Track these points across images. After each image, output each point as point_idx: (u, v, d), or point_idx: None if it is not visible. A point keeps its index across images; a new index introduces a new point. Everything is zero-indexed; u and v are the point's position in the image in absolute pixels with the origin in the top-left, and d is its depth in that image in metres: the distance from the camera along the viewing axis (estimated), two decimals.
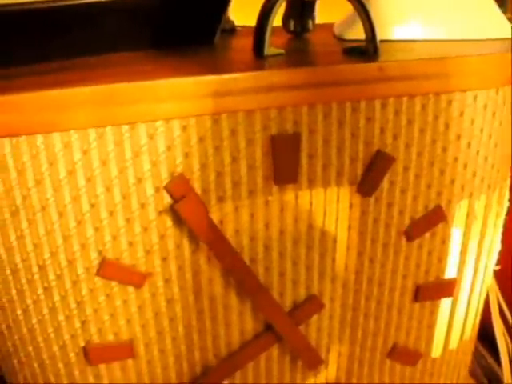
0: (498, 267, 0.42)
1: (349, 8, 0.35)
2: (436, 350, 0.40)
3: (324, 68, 0.30)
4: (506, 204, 0.38)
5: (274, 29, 0.31)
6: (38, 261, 0.30)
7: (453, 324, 0.39)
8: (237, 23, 0.43)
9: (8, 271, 0.30)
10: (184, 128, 0.29)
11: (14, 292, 0.31)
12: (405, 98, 0.31)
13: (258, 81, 0.29)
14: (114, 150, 0.28)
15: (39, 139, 0.27)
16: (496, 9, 0.37)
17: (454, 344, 0.40)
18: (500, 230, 0.38)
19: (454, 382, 0.43)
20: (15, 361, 0.34)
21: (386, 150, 0.31)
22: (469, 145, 0.33)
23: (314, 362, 0.35)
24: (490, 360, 0.49)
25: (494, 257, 0.39)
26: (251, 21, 0.33)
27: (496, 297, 0.46)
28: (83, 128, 0.28)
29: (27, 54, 0.31)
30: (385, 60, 0.31)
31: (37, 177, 0.28)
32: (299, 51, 0.35)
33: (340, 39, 0.37)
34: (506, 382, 0.47)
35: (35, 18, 0.30)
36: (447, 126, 0.32)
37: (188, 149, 0.29)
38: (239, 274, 0.31)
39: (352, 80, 0.30)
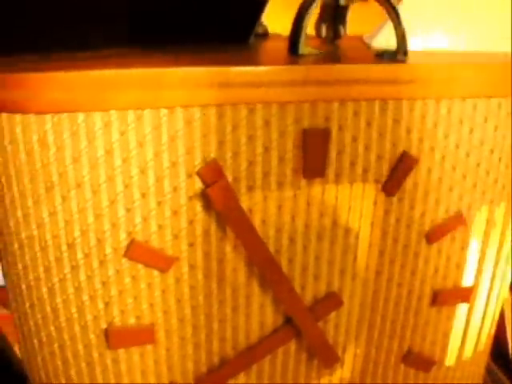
0: None
1: (377, 21, 0.37)
2: (450, 358, 0.41)
3: (356, 66, 0.31)
4: None
5: (306, 36, 0.33)
6: (67, 239, 0.31)
7: (468, 332, 0.40)
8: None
9: (37, 248, 0.32)
10: (220, 116, 0.30)
11: (41, 269, 0.32)
12: (431, 101, 0.32)
13: (293, 74, 0.30)
14: (151, 132, 0.30)
15: (80, 117, 0.29)
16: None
17: (468, 353, 0.41)
18: None
19: None
20: (35, 340, 0.34)
21: (410, 152, 0.33)
22: (491, 151, 0.35)
23: (330, 359, 0.36)
24: (504, 378, 0.49)
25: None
26: (282, 29, 0.35)
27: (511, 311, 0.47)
28: (123, 109, 0.29)
29: (68, 41, 0.33)
30: (414, 63, 0.32)
31: (75, 154, 0.29)
32: (332, 52, 0.37)
33: (370, 46, 0.39)
34: None
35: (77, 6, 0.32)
36: (471, 130, 0.34)
37: (222, 137, 0.30)
38: (264, 263, 0.32)
39: (382, 79, 0.31)
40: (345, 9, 0.38)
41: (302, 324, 0.35)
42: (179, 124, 0.30)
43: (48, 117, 0.29)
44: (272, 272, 0.33)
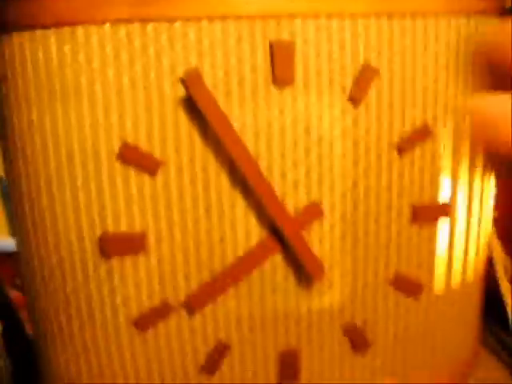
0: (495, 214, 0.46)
1: None
2: (438, 284, 0.43)
3: None
4: None
5: None
6: (67, 149, 0.36)
7: (452, 257, 0.42)
8: None
9: (40, 160, 0.36)
10: (198, 31, 0.36)
11: (42, 181, 0.37)
12: (384, 18, 0.38)
13: None
14: (139, 47, 0.35)
15: (79, 30, 0.35)
16: None
17: (455, 281, 0.43)
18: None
19: (461, 328, 0.45)
20: (35, 260, 0.38)
21: (371, 64, 0.38)
22: (446, 67, 0.39)
23: (317, 269, 0.39)
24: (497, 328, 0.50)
25: (490, 189, 0.43)
26: None
27: (500, 253, 0.48)
28: (115, 23, 0.35)
29: None
30: None
31: (74, 66, 0.35)
32: None
33: None
34: None
35: None
36: (425, 47, 0.38)
37: (200, 50, 0.36)
38: (245, 164, 0.36)
39: None
40: None
41: (286, 231, 0.38)
42: (163, 40, 0.35)
43: (51, 31, 0.35)
44: (253, 174, 0.37)
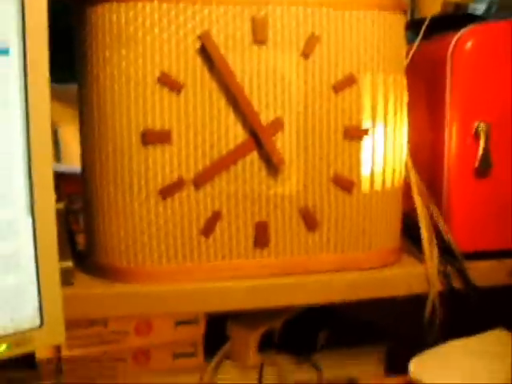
0: None
1: None
2: (364, 185, 0.67)
3: None
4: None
5: None
6: (126, 77, 0.62)
7: (374, 166, 0.67)
8: None
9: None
10: (210, 9, 0.62)
11: (108, 97, 0.62)
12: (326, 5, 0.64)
13: None
14: None
15: (139, 4, 0.61)
16: None
17: (377, 184, 0.67)
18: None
19: (385, 223, 0.68)
20: (96, 148, 0.63)
21: (315, 33, 0.64)
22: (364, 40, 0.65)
23: (280, 161, 0.63)
24: None
25: (402, 123, 0.68)
26: None
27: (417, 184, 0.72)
28: None
29: None
30: None
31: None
32: None
33: None
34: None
35: None
36: (352, 26, 0.65)
37: (211, 21, 0.62)
38: (237, 91, 0.62)
39: None
40: None
41: (260, 134, 0.63)
42: (189, 12, 0.62)
43: (122, 4, 0.61)
44: (242, 98, 0.62)
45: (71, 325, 0.59)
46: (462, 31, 0.70)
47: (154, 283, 0.65)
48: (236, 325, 0.82)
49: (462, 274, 0.71)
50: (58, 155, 0.89)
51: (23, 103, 0.53)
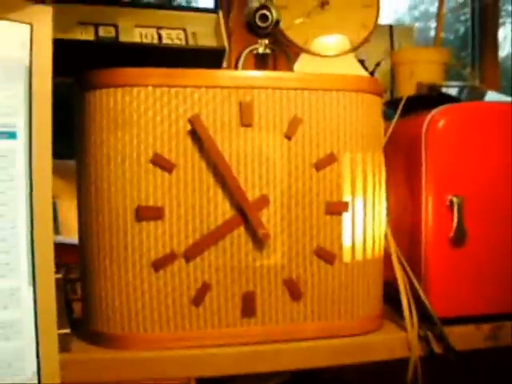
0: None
1: None
2: (346, 256, 0.72)
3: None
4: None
5: None
6: (122, 157, 0.67)
7: (355, 238, 0.72)
8: None
9: None
10: (200, 93, 0.68)
11: (104, 175, 0.68)
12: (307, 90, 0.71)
13: None
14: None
15: (135, 89, 0.67)
16: None
17: (358, 255, 0.72)
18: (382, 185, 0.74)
19: (366, 292, 0.73)
20: (94, 223, 0.68)
21: (297, 115, 0.70)
22: (344, 120, 0.71)
23: (265, 236, 0.68)
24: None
25: (381, 198, 0.73)
26: None
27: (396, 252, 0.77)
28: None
29: None
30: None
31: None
32: None
33: None
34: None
35: None
36: (332, 107, 0.71)
37: (201, 105, 0.68)
38: (225, 171, 0.67)
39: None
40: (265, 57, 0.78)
41: (247, 211, 0.68)
42: (180, 97, 0.68)
43: (118, 89, 0.67)
44: (229, 177, 0.68)
45: None
46: (435, 110, 0.76)
47: (147, 350, 0.69)
48: None
49: (442, 339, 0.75)
50: (56, 227, 0.94)
51: (28, 181, 0.59)
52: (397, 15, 1.67)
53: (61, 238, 0.87)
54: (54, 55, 0.59)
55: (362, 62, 0.85)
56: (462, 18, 1.40)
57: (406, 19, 1.66)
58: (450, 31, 1.59)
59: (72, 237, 0.77)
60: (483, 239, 0.77)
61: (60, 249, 0.78)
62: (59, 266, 0.67)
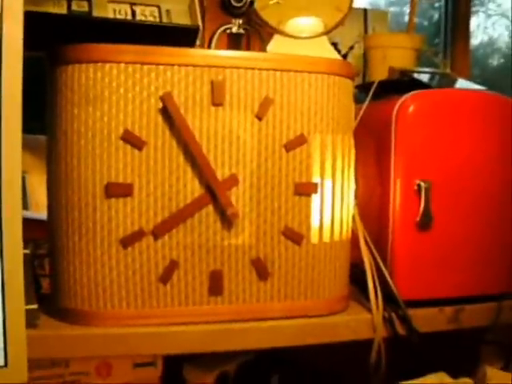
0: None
1: None
2: (313, 237, 0.73)
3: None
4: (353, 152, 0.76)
5: None
6: (92, 133, 0.68)
7: (323, 220, 0.73)
8: None
9: None
10: (172, 71, 0.69)
11: (75, 151, 0.68)
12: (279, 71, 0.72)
13: None
14: None
15: (107, 65, 0.68)
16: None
17: (326, 237, 0.74)
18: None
19: (333, 273, 0.75)
20: (63, 199, 0.68)
21: (269, 96, 0.71)
22: (316, 103, 0.73)
23: (234, 214, 0.69)
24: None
25: (349, 181, 0.75)
26: None
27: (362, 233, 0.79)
28: None
29: None
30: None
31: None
32: None
33: None
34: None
35: None
36: (303, 89, 0.72)
37: (173, 82, 0.69)
38: (195, 149, 0.68)
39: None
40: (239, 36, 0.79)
41: (216, 189, 0.69)
42: (152, 75, 0.69)
43: (90, 65, 0.68)
44: (199, 155, 0.69)
45: (33, 365, 0.64)
46: (406, 96, 0.78)
47: (114, 326, 0.70)
48: (192, 367, 0.88)
49: (406, 321, 0.78)
50: (24, 202, 0.94)
51: None
52: None
53: (29, 214, 0.87)
54: (25, 28, 0.59)
55: (335, 44, 0.86)
56: (437, 4, 1.42)
57: (380, 3, 1.68)
58: (424, 17, 1.61)
59: (40, 212, 0.77)
60: (449, 224, 0.79)
61: (28, 224, 0.78)
62: (27, 241, 0.68)
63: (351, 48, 0.99)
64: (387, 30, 1.16)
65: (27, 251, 0.69)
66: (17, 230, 0.61)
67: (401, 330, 0.78)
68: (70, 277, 0.70)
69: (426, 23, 1.60)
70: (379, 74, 0.86)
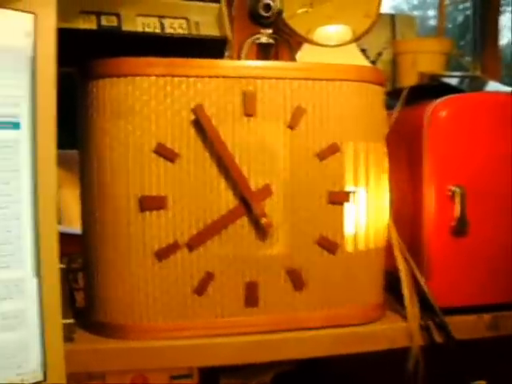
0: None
1: None
2: (348, 246, 0.72)
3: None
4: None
5: None
6: (125, 147, 0.68)
7: (358, 228, 0.72)
8: None
9: None
10: (203, 83, 0.69)
11: (107, 165, 0.68)
12: (311, 80, 0.71)
13: None
14: None
15: (137, 79, 0.68)
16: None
17: (361, 245, 0.73)
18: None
19: (368, 281, 0.74)
20: (97, 213, 0.68)
21: (301, 105, 0.70)
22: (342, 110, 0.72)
23: (268, 225, 0.69)
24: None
25: (383, 189, 0.74)
26: None
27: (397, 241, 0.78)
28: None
29: None
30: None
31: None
32: None
33: None
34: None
35: None
36: (336, 98, 0.71)
37: (204, 95, 0.69)
38: (228, 160, 0.68)
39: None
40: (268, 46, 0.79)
41: (250, 201, 0.69)
42: (183, 87, 0.68)
43: (121, 79, 0.68)
44: (233, 167, 0.68)
45: (71, 379, 0.63)
46: (438, 101, 0.77)
47: (149, 339, 0.70)
48: (228, 379, 0.87)
49: (443, 329, 0.76)
50: (58, 216, 0.95)
51: (32, 171, 0.59)
52: (394, 2, 1.68)
53: (62, 228, 0.88)
54: (57, 45, 0.60)
55: (363, 51, 0.86)
56: (461, 6, 1.40)
57: (403, 7, 1.67)
58: (448, 20, 1.60)
59: (73, 226, 0.77)
60: (484, 229, 0.78)
61: (62, 238, 0.79)
62: (61, 255, 0.68)
63: (380, 54, 0.99)
64: (415, 35, 1.15)
65: (63, 266, 0.70)
66: (53, 245, 0.62)
67: (438, 337, 0.77)
68: (105, 290, 0.70)
69: (450, 25, 1.59)
70: (409, 79, 0.85)
